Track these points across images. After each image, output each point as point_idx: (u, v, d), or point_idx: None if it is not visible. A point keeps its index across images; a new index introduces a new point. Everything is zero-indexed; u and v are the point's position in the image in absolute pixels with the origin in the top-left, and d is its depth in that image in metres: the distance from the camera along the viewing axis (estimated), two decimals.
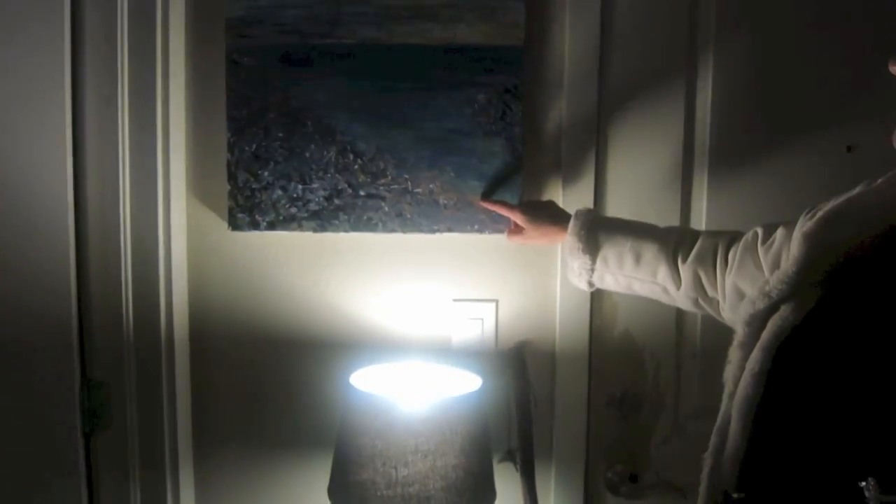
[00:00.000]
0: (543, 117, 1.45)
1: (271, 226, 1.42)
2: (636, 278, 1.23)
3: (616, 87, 1.46)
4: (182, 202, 1.43)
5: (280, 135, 1.40)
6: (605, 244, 1.24)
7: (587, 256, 1.25)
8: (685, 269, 1.17)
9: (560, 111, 1.44)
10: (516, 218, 1.35)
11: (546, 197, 1.47)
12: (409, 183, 1.42)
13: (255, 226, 1.42)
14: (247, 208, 1.42)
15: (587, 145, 1.45)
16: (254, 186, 1.41)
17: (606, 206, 1.49)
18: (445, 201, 1.42)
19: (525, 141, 1.43)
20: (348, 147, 1.41)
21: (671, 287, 1.19)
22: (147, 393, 1.39)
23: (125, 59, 1.34)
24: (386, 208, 1.42)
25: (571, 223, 1.27)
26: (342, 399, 1.28)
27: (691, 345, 1.52)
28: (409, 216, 1.42)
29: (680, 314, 1.52)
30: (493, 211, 1.39)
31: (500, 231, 1.42)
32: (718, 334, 1.52)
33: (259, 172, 1.41)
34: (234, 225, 1.42)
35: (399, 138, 1.41)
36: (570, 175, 1.45)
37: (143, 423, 1.38)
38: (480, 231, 1.42)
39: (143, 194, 1.37)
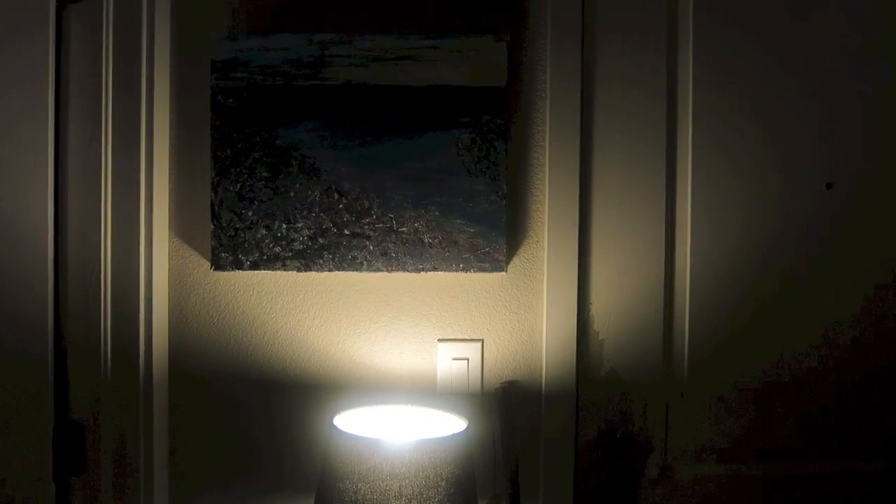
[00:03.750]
0: (528, 156, 1.41)
1: (255, 265, 1.36)
2: None
3: (600, 124, 1.42)
4: (164, 242, 1.38)
5: (265, 174, 1.35)
6: None
7: None
8: None
9: (544, 149, 1.40)
10: None
11: (530, 236, 1.42)
12: (394, 222, 1.37)
13: (238, 265, 1.36)
14: (230, 248, 1.36)
15: (571, 183, 1.41)
16: (238, 226, 1.36)
17: (592, 243, 1.43)
18: (430, 240, 1.37)
19: (509, 179, 1.38)
20: (333, 186, 1.36)
21: None
22: (124, 436, 1.30)
23: (109, 100, 1.30)
24: (371, 247, 1.37)
25: None
26: (325, 442, 1.20)
27: (679, 385, 1.45)
28: (393, 255, 1.36)
29: (667, 353, 1.46)
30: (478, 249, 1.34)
31: (486, 270, 1.37)
32: (706, 375, 1.47)
33: (243, 212, 1.36)
34: (217, 265, 1.36)
35: (384, 178, 1.36)
36: (555, 212, 1.40)
37: (119, 466, 1.30)
38: (466, 270, 1.37)
39: (125, 234, 1.31)
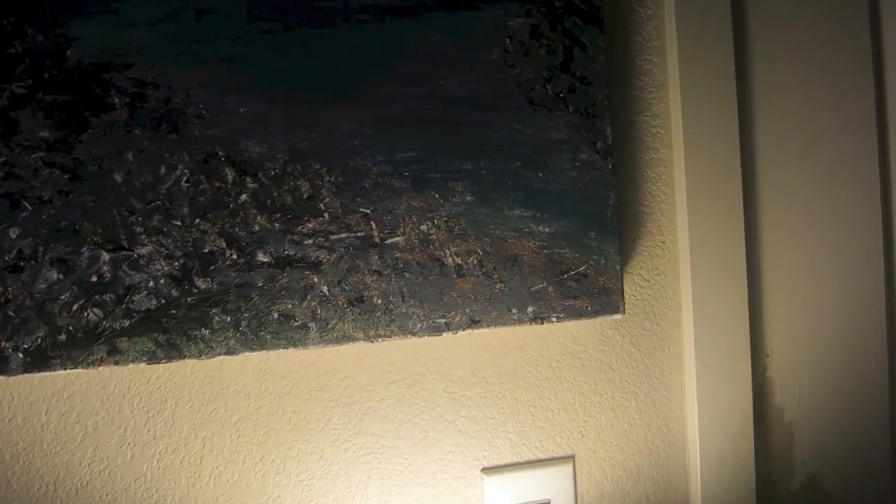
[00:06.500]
0: (631, 70, 0.62)
1: (41, 360, 0.49)
2: None
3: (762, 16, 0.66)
4: None
5: (43, 132, 0.48)
6: None
7: None
8: None
9: (662, 56, 0.62)
10: None
11: (649, 236, 0.64)
12: (375, 225, 0.53)
13: None
14: None
15: (726, 127, 0.63)
16: None
17: (762, 246, 0.66)
18: (458, 260, 0.54)
19: (613, 116, 0.59)
20: (220, 152, 0.51)
21: None
22: None
23: None
24: (323, 287, 0.53)
25: None
26: None
27: None
28: (377, 300, 0.53)
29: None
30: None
31: (585, 314, 0.58)
32: None
33: None
34: None
35: (343, 121, 0.52)
36: (699, 185, 0.62)
37: None
38: (540, 318, 0.57)
39: None
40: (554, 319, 0.60)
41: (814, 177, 0.72)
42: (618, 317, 0.62)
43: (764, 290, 0.70)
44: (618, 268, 0.61)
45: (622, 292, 0.61)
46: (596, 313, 0.61)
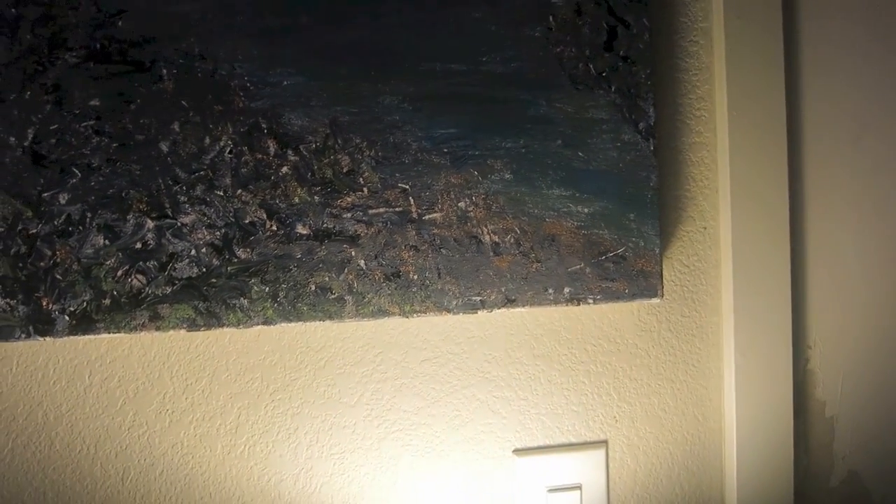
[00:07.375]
0: (685, 51, 0.60)
1: (86, 323, 0.50)
2: None
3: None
4: None
5: (94, 101, 0.49)
6: None
7: None
8: None
9: (708, 35, 0.60)
10: None
11: (689, 220, 0.61)
12: (413, 200, 0.53)
13: (42, 326, 0.49)
14: (19, 286, 0.48)
15: (771, 113, 0.60)
16: (34, 231, 0.48)
17: (807, 232, 0.64)
18: (496, 238, 0.54)
19: (656, 97, 0.57)
20: (262, 124, 0.51)
21: None
22: None
23: None
24: (360, 261, 0.52)
25: None
26: None
27: None
28: (413, 276, 0.52)
29: None
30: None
31: (621, 296, 0.56)
32: None
33: (45, 197, 0.49)
34: None
35: (384, 96, 0.52)
36: (742, 168, 0.61)
37: None
38: (576, 299, 0.56)
39: None
40: (591, 301, 0.59)
41: (862, 165, 0.69)
42: (655, 301, 0.61)
43: (808, 280, 0.68)
44: (657, 251, 0.60)
45: (661, 276, 0.60)
46: (633, 296, 0.59)
